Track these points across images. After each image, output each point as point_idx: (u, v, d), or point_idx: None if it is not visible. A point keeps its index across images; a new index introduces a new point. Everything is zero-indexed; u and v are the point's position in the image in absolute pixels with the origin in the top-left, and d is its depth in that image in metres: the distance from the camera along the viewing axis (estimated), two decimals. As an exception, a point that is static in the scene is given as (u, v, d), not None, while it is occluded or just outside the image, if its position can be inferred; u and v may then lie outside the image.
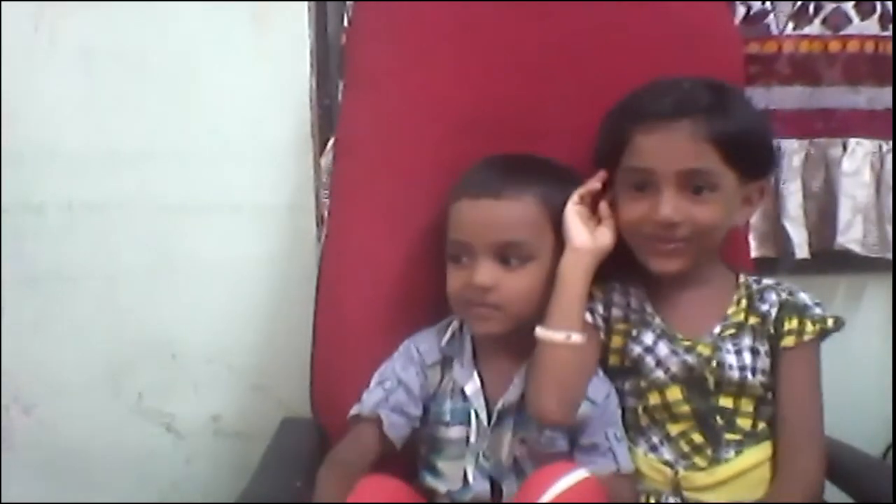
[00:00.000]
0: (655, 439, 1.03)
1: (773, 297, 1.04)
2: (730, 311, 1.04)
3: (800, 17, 1.42)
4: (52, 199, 1.42)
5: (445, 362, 1.05)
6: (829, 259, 1.45)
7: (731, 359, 1.01)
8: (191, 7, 1.39)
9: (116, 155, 1.41)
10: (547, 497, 0.85)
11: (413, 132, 1.14)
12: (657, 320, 1.04)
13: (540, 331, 0.97)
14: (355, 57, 1.19)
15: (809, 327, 1.01)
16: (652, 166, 0.98)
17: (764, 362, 1.02)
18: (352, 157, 1.16)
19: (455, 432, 1.04)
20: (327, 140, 1.34)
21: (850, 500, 1.03)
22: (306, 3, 1.40)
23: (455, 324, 1.07)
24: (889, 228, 1.44)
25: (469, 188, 1.01)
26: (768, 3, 1.41)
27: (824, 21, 1.43)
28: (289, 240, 1.45)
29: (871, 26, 1.43)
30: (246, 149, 1.43)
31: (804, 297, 1.05)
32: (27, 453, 1.48)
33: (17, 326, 1.44)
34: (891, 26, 1.42)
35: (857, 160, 1.44)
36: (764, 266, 1.32)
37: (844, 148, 1.44)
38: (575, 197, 1.01)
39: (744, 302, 1.05)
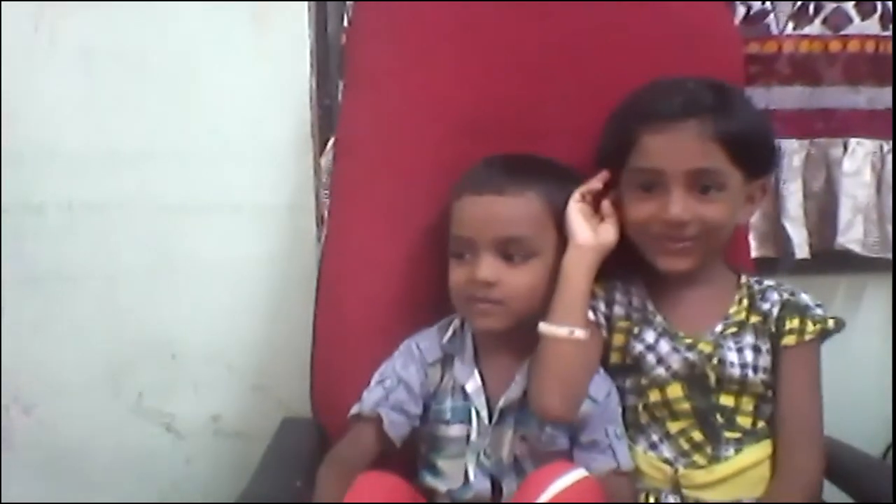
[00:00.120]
0: (655, 437, 1.03)
1: (775, 296, 1.05)
2: (731, 310, 1.05)
3: (800, 17, 1.42)
4: (52, 199, 1.42)
5: (446, 360, 1.06)
6: (829, 259, 1.45)
7: (732, 356, 1.01)
8: (191, 7, 1.39)
9: (116, 155, 1.41)
10: (545, 497, 0.85)
11: (413, 132, 1.14)
12: (658, 318, 1.04)
13: (543, 326, 0.97)
14: (355, 57, 1.19)
15: (810, 327, 1.02)
16: (661, 166, 0.98)
17: (765, 360, 1.02)
18: (352, 157, 1.16)
19: (455, 430, 1.04)
20: (327, 140, 1.34)
21: (850, 500, 1.03)
22: (306, 3, 1.40)
23: (456, 322, 1.07)
24: (890, 228, 1.45)
25: (472, 185, 1.02)
26: (768, 3, 1.41)
27: (825, 21, 1.43)
28: (289, 240, 1.45)
29: (872, 26, 1.43)
30: (246, 149, 1.43)
31: (805, 297, 1.05)
32: (27, 453, 1.48)
33: (17, 326, 1.44)
34: (891, 26, 1.42)
35: (857, 160, 1.44)
36: (764, 266, 1.32)
37: (845, 148, 1.44)
38: (576, 195, 1.01)
39: (745, 301, 1.05)
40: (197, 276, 1.45)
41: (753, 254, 1.31)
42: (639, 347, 1.03)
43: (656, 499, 1.02)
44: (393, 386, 1.03)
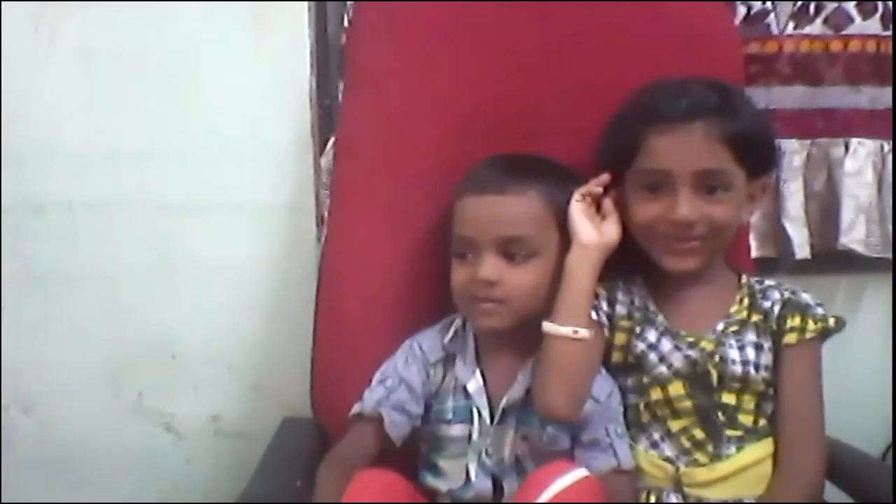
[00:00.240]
0: (656, 436, 1.03)
1: (776, 295, 1.05)
2: (732, 308, 1.05)
3: (801, 17, 1.42)
4: (52, 199, 1.42)
5: (448, 360, 1.06)
6: (830, 259, 1.45)
7: (734, 354, 1.02)
8: (191, 7, 1.39)
9: (116, 155, 1.41)
10: (545, 496, 0.85)
11: (413, 132, 1.14)
12: (660, 318, 1.05)
13: (547, 326, 0.98)
14: (355, 57, 1.19)
15: (811, 325, 1.02)
16: (668, 167, 0.99)
17: (767, 358, 1.02)
18: (352, 157, 1.16)
19: (457, 430, 1.04)
20: (327, 140, 1.34)
21: (850, 500, 1.03)
22: (306, 3, 1.40)
23: (458, 322, 1.07)
24: (891, 228, 1.44)
25: (473, 185, 1.02)
26: (769, 3, 1.41)
27: (825, 21, 1.43)
28: (289, 240, 1.45)
29: (873, 26, 1.43)
30: (246, 149, 1.43)
31: (806, 296, 1.06)
32: (27, 453, 1.48)
33: (17, 326, 1.44)
34: (892, 26, 1.42)
35: (859, 160, 1.44)
36: (764, 266, 1.32)
37: (846, 148, 1.44)
38: (577, 195, 1.02)
39: (746, 300, 1.05)
40: (197, 276, 1.45)
41: (754, 254, 1.31)
42: (640, 346, 1.04)
43: (657, 497, 1.02)
44: (394, 385, 1.03)
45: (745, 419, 1.02)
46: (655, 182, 1.00)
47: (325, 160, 1.36)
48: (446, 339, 1.06)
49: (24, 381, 1.46)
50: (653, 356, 1.03)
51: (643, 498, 1.02)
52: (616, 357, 1.05)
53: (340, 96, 1.25)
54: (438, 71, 1.15)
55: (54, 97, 1.40)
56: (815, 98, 1.44)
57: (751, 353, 1.02)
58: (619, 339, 1.05)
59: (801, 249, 1.43)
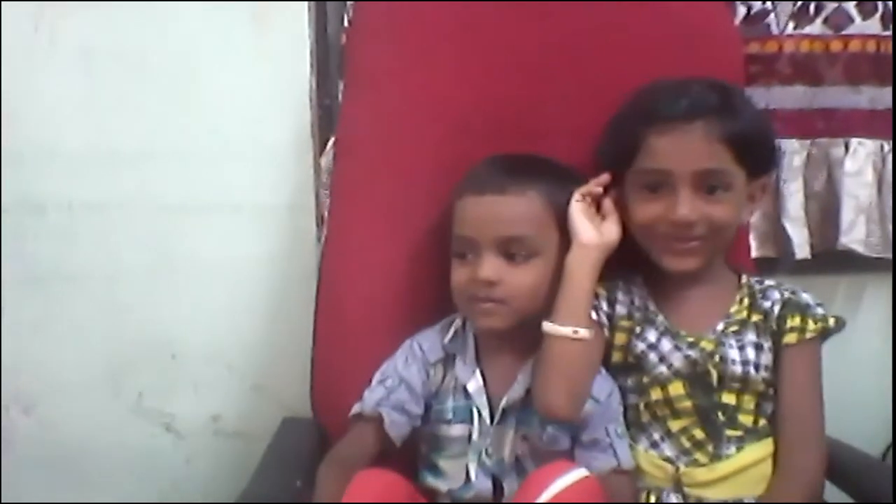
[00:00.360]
0: (656, 436, 1.03)
1: (776, 295, 1.05)
2: (732, 308, 1.05)
3: (801, 17, 1.42)
4: (52, 199, 1.42)
5: (448, 360, 1.06)
6: (830, 259, 1.45)
7: (734, 354, 1.02)
8: (191, 7, 1.39)
9: (116, 155, 1.41)
10: (545, 496, 0.85)
11: (413, 132, 1.14)
12: (660, 318, 1.05)
13: (547, 326, 0.98)
14: (355, 57, 1.19)
15: (811, 325, 1.02)
16: (668, 167, 0.99)
17: (767, 358, 1.02)
18: (352, 157, 1.16)
19: (457, 430, 1.04)
20: (327, 140, 1.34)
21: (850, 500, 1.03)
22: (306, 3, 1.40)
23: (457, 322, 1.07)
24: (891, 228, 1.44)
25: (473, 185, 1.02)
26: (769, 3, 1.41)
27: (825, 21, 1.43)
28: (289, 240, 1.45)
29: (873, 26, 1.43)
30: (246, 149, 1.43)
31: (806, 296, 1.06)
32: (27, 453, 1.48)
33: (17, 326, 1.44)
34: (892, 26, 1.42)
35: (859, 160, 1.44)
36: (764, 266, 1.32)
37: (846, 148, 1.44)
38: (577, 195, 1.02)
39: (746, 300, 1.06)
40: (197, 276, 1.45)
41: (754, 254, 1.31)
42: (640, 346, 1.04)
43: (657, 497, 1.02)
44: (394, 386, 1.03)
45: (745, 419, 1.02)
46: (655, 182, 1.00)
47: (325, 160, 1.36)
48: (446, 339, 1.06)
49: (24, 381, 1.46)
50: (653, 356, 1.03)
51: (643, 498, 1.02)
52: (616, 357, 1.05)
53: (340, 96, 1.25)
54: (438, 71, 1.15)
55: (54, 97, 1.40)
56: (815, 98, 1.44)
57: (751, 353, 1.02)
58: (619, 339, 1.05)
59: (801, 249, 1.43)
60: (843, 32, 1.43)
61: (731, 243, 1.07)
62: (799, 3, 1.42)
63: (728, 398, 1.02)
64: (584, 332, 0.97)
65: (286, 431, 1.22)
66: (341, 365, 1.12)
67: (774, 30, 1.42)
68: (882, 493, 0.98)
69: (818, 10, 1.42)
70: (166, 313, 1.46)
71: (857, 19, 1.43)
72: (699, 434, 1.01)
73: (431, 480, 1.05)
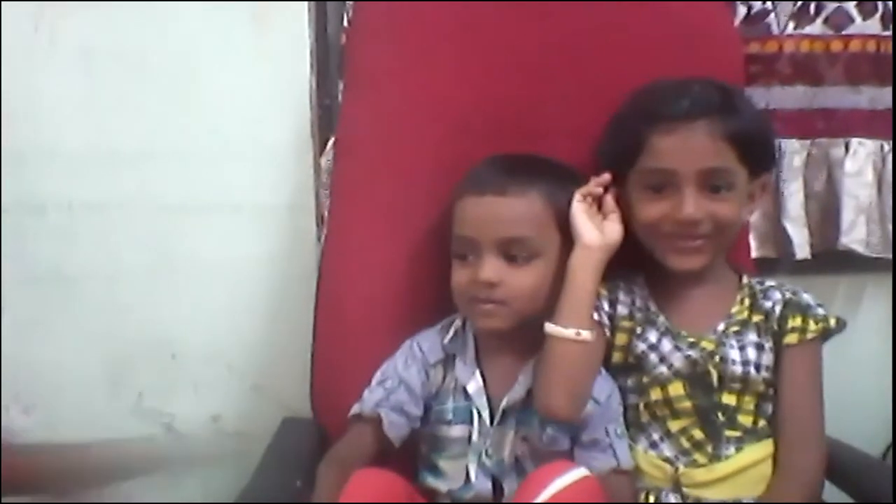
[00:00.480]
0: (656, 436, 1.03)
1: (777, 295, 1.05)
2: (733, 309, 1.05)
3: (801, 17, 1.42)
4: (52, 199, 1.42)
5: (448, 361, 1.06)
6: (830, 259, 1.45)
7: (734, 354, 1.02)
8: (191, 7, 1.38)
9: (116, 155, 1.41)
10: (545, 496, 0.85)
11: (413, 132, 1.14)
12: (661, 318, 1.05)
13: (549, 327, 0.97)
14: (355, 57, 1.19)
15: (812, 326, 1.02)
16: (673, 167, 0.99)
17: (768, 358, 1.03)
18: (352, 157, 1.16)
19: (457, 431, 1.04)
20: (327, 140, 1.34)
21: (850, 500, 1.03)
22: (306, 3, 1.40)
23: (457, 322, 1.07)
24: (891, 228, 1.44)
25: (474, 185, 1.02)
26: (769, 3, 1.41)
27: (826, 21, 1.43)
28: (289, 240, 1.45)
29: (873, 26, 1.43)
30: (246, 149, 1.42)
31: (807, 297, 1.06)
32: (27, 453, 1.48)
33: (17, 326, 1.44)
34: (892, 26, 1.42)
35: (859, 160, 1.44)
36: (764, 266, 1.32)
37: (847, 148, 1.44)
38: (578, 196, 1.01)
39: (747, 301, 1.06)
40: (197, 276, 1.45)
41: (754, 254, 1.31)
42: (641, 346, 1.04)
43: (657, 498, 1.02)
44: (394, 386, 1.03)
45: (745, 420, 1.02)
46: (660, 182, 1.01)
47: (325, 160, 1.36)
48: (446, 340, 1.06)
49: (24, 381, 1.46)
50: (653, 356, 1.03)
51: (642, 498, 1.02)
52: (616, 357, 1.05)
53: (340, 96, 1.25)
54: (438, 71, 1.15)
55: (54, 97, 1.40)
56: (816, 98, 1.44)
57: (751, 354, 1.02)
58: (620, 339, 1.05)
59: (801, 249, 1.43)
60: (844, 32, 1.43)
61: (733, 242, 1.07)
62: (799, 3, 1.42)
63: (728, 399, 1.02)
64: (586, 334, 0.97)
65: (286, 431, 1.22)
66: (341, 365, 1.12)
67: (774, 30, 1.42)
68: (882, 493, 0.98)
69: (818, 10, 1.42)
70: (166, 313, 1.46)
71: (858, 19, 1.43)
72: (698, 434, 1.01)
73: (431, 481, 1.05)
